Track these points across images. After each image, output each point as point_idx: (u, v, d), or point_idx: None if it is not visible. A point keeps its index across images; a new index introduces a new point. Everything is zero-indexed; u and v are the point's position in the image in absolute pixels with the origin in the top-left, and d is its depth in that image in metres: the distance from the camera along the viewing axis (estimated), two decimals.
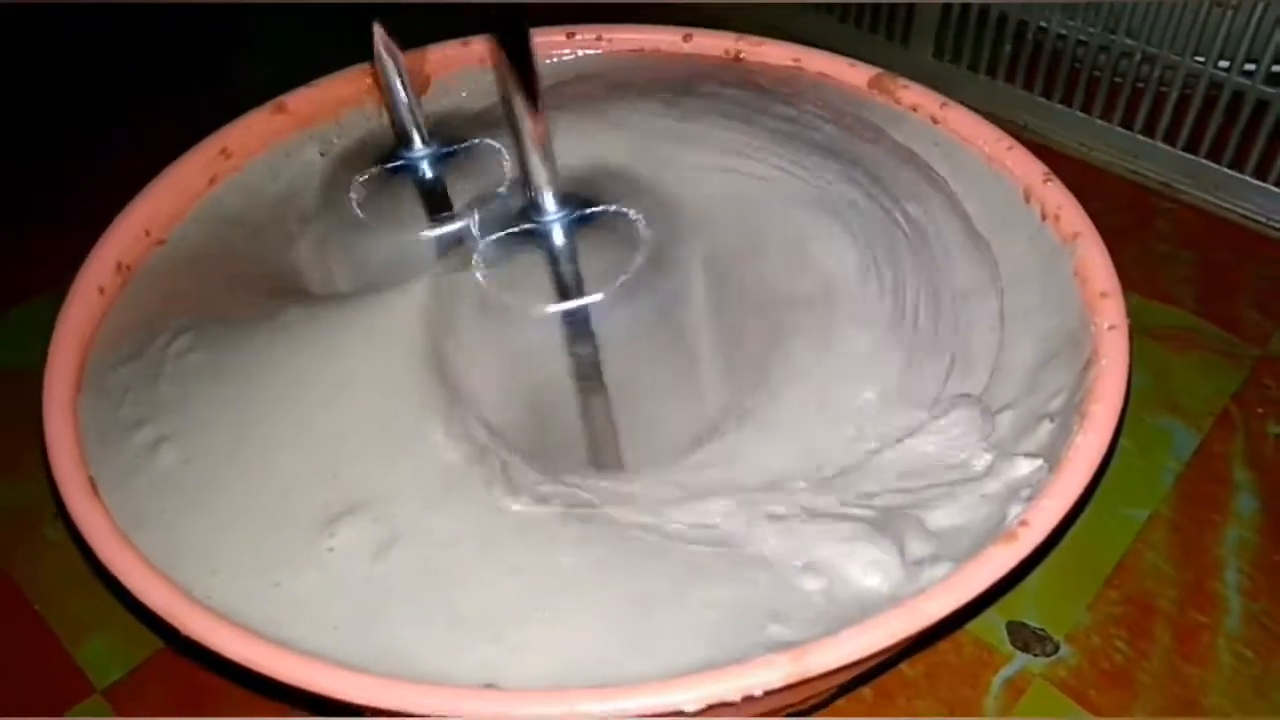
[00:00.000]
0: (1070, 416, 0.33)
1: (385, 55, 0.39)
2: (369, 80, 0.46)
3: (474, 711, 0.27)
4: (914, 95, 0.44)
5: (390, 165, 0.42)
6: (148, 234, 0.40)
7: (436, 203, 0.41)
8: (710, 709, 0.27)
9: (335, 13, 0.72)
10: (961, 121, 0.42)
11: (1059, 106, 0.61)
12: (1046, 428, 0.35)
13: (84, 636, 0.42)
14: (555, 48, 0.49)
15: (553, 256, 0.36)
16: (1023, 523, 0.30)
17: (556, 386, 0.37)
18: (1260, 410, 0.49)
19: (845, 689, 0.39)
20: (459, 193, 0.41)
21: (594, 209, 0.37)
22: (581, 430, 0.37)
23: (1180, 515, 0.45)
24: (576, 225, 0.36)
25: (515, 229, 0.36)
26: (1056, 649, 0.41)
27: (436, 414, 0.34)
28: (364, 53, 0.45)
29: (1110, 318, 0.35)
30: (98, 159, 0.65)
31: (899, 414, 0.36)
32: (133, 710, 0.40)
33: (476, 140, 0.42)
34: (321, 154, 0.45)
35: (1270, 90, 0.53)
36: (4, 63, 0.72)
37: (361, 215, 0.40)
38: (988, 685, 0.40)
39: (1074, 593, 0.42)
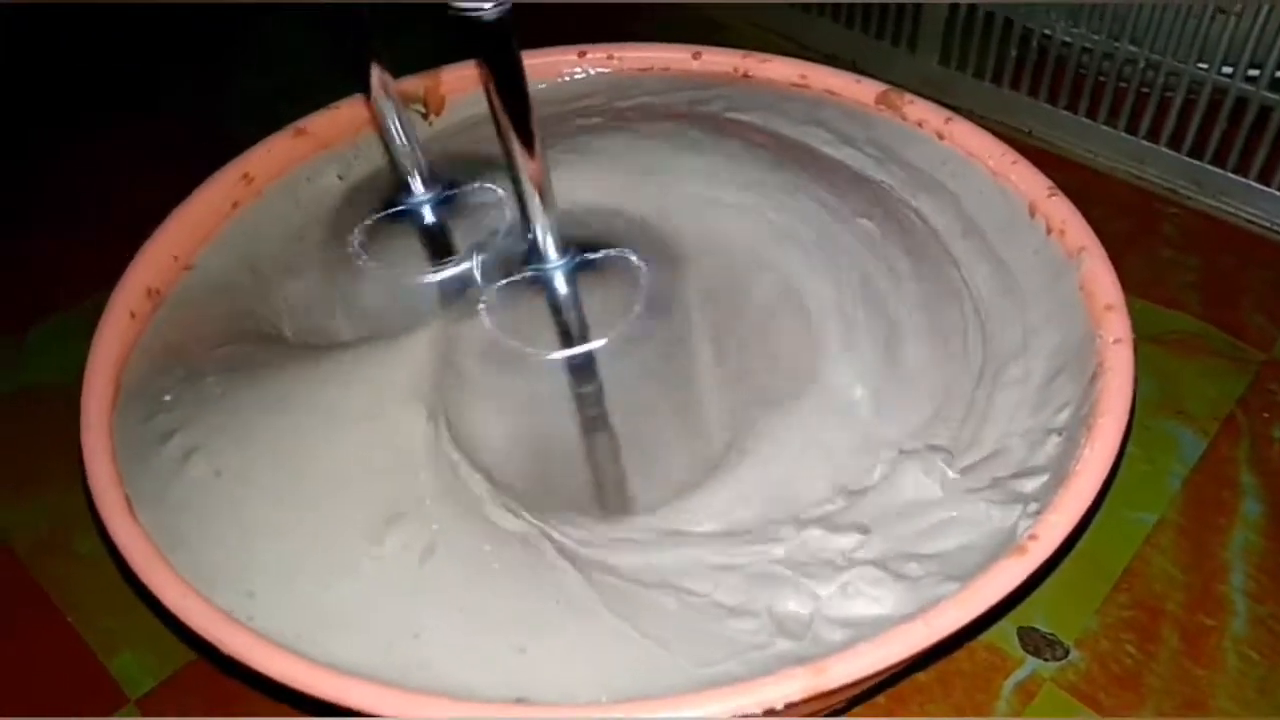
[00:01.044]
0: (1077, 430, 0.34)
1: (383, 101, 0.39)
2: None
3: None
4: (920, 110, 0.44)
5: (391, 211, 0.42)
6: (175, 259, 0.41)
7: (439, 248, 0.42)
8: None
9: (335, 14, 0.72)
10: (967, 136, 0.43)
11: (1064, 112, 0.62)
12: (1054, 441, 0.36)
13: (116, 648, 0.43)
14: (567, 66, 0.49)
15: (556, 303, 0.37)
16: (1032, 536, 0.31)
17: (562, 432, 0.37)
18: (1266, 415, 0.49)
19: (862, 696, 0.39)
20: (462, 237, 0.41)
21: (595, 254, 0.37)
22: (588, 475, 0.38)
23: (1187, 520, 0.46)
24: (578, 270, 0.37)
25: (518, 276, 0.37)
26: (1067, 653, 0.42)
27: (434, 458, 0.35)
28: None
29: (1115, 331, 0.35)
30: (101, 174, 0.66)
31: (869, 459, 0.37)
32: (167, 718, 0.41)
33: (478, 184, 0.43)
34: (340, 177, 0.46)
35: (1273, 96, 0.54)
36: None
37: (363, 263, 0.41)
38: (999, 690, 0.41)
39: (1083, 598, 0.43)
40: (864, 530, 0.35)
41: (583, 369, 0.36)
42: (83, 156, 0.68)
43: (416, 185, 0.42)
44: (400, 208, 0.42)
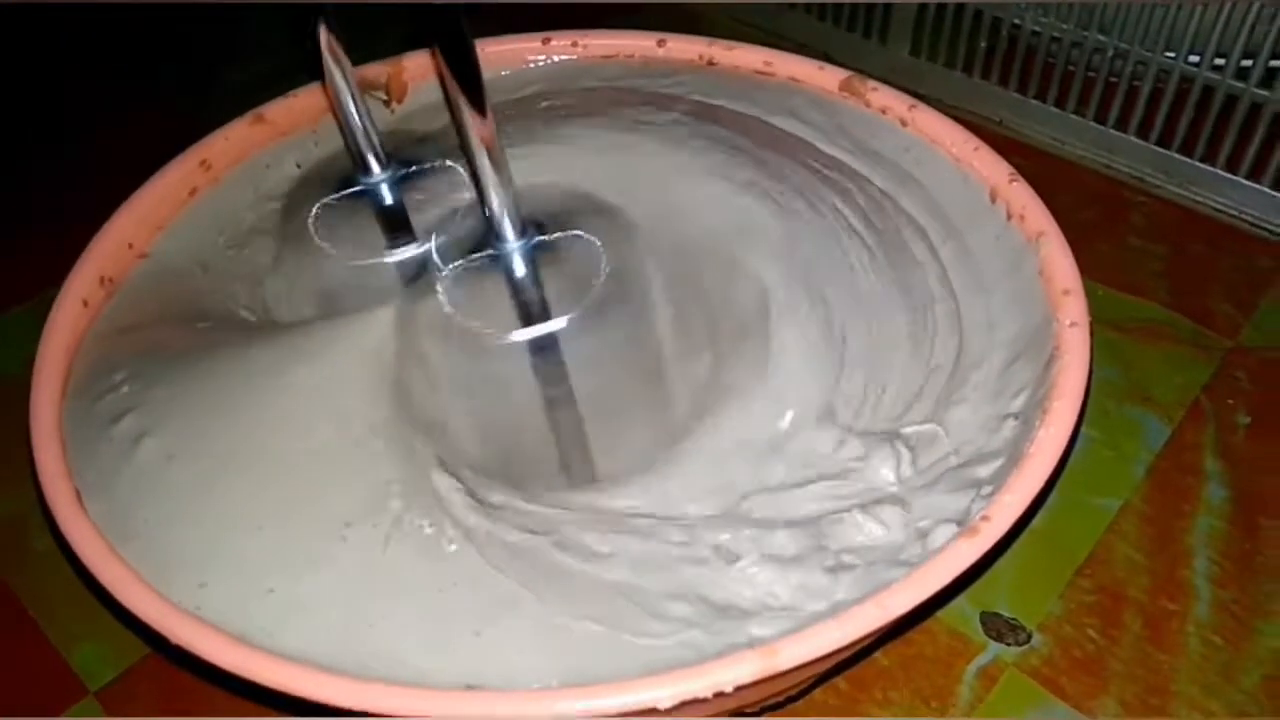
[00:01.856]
0: (1033, 413, 0.34)
1: (339, 80, 0.39)
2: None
3: (457, 712, 0.28)
4: (883, 97, 0.44)
5: (349, 191, 0.42)
6: (130, 247, 0.41)
7: (397, 228, 0.41)
8: (683, 705, 0.28)
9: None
10: (929, 123, 0.43)
11: (1034, 102, 0.62)
12: (1010, 425, 0.36)
13: (77, 641, 0.43)
14: (531, 54, 0.49)
15: (515, 284, 0.37)
16: (984, 517, 0.31)
17: (524, 410, 0.37)
18: (1231, 401, 0.49)
19: (821, 679, 0.39)
20: (420, 216, 0.41)
21: (553, 234, 0.37)
22: (554, 451, 0.38)
23: (1151, 505, 0.46)
24: (536, 251, 0.37)
25: (476, 256, 0.37)
26: (1029, 638, 0.42)
27: (392, 441, 0.35)
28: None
29: (1072, 315, 0.35)
30: (69, 169, 0.65)
31: (819, 437, 0.37)
32: (125, 711, 0.41)
33: (436, 163, 0.43)
34: (298, 165, 0.46)
35: (1240, 85, 0.54)
36: None
37: (321, 243, 0.41)
38: (961, 674, 0.41)
39: (1046, 583, 0.43)
40: (813, 522, 0.35)
41: (542, 349, 0.36)
42: (54, 150, 0.67)
43: (373, 165, 0.42)
44: (358, 188, 0.42)
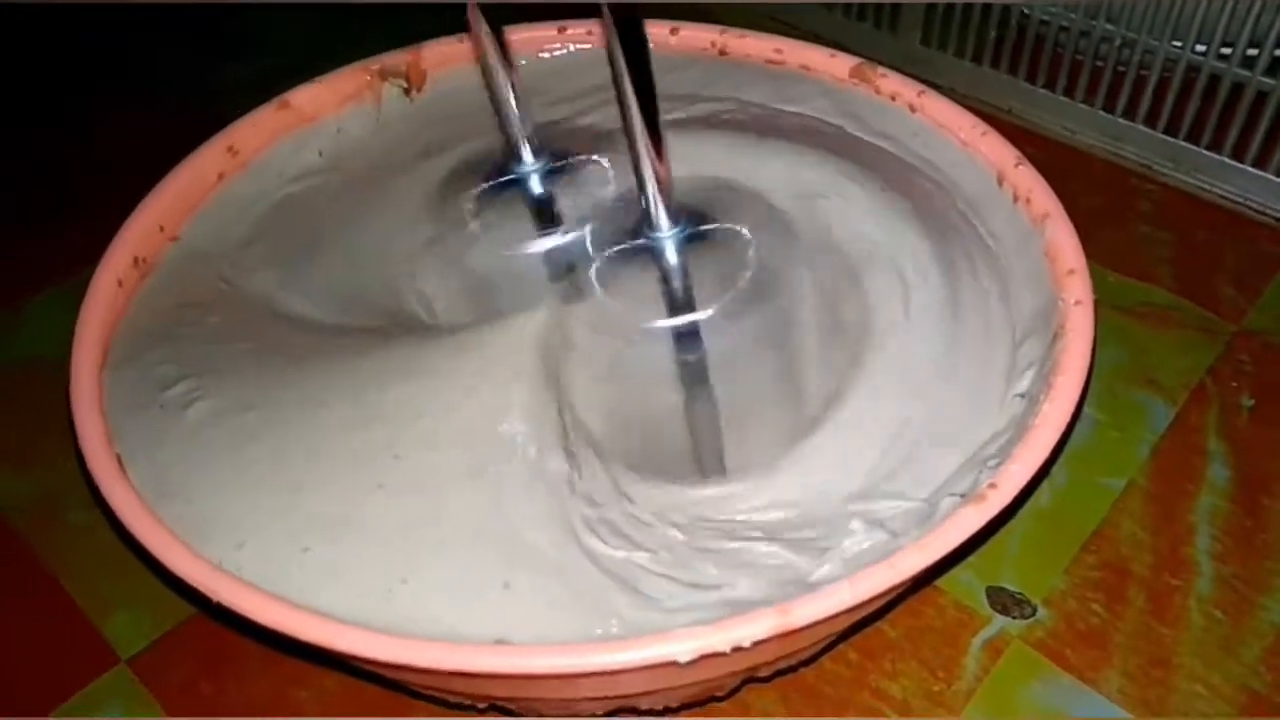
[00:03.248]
0: (1038, 388, 0.35)
1: (499, 69, 0.39)
2: (368, 76, 0.48)
3: (488, 665, 0.29)
4: (893, 84, 0.45)
5: (502, 180, 0.43)
6: (161, 229, 0.42)
7: (548, 218, 0.42)
8: (702, 659, 0.29)
9: (329, 10, 0.73)
10: (938, 109, 0.44)
11: (1042, 91, 0.63)
12: (1017, 402, 0.37)
13: (110, 612, 0.44)
14: (547, 43, 0.50)
15: (666, 273, 0.37)
16: (991, 485, 0.32)
17: (666, 398, 0.38)
18: (1235, 384, 0.50)
19: (831, 646, 0.40)
20: (569, 208, 0.42)
21: (707, 226, 0.38)
22: (687, 440, 0.39)
23: (1155, 484, 0.47)
24: (689, 242, 0.37)
25: (628, 245, 0.38)
26: (1034, 612, 0.43)
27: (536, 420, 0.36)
28: (359, 50, 0.46)
29: (1076, 293, 0.36)
30: (99, 152, 0.67)
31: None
32: (157, 679, 0.42)
33: (584, 156, 0.43)
34: (320, 153, 0.47)
35: (1246, 73, 0.55)
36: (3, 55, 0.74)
37: (473, 229, 0.42)
38: (967, 646, 0.42)
39: (1052, 559, 0.44)
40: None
41: (686, 339, 0.37)
42: (80, 136, 0.69)
43: (526, 155, 0.42)
44: (511, 177, 0.43)
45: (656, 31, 0.50)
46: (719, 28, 0.49)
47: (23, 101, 0.72)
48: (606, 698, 0.34)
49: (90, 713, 0.41)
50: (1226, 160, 0.58)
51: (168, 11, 0.77)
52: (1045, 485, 0.47)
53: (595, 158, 0.43)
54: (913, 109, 0.45)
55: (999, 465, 0.33)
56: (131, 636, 0.44)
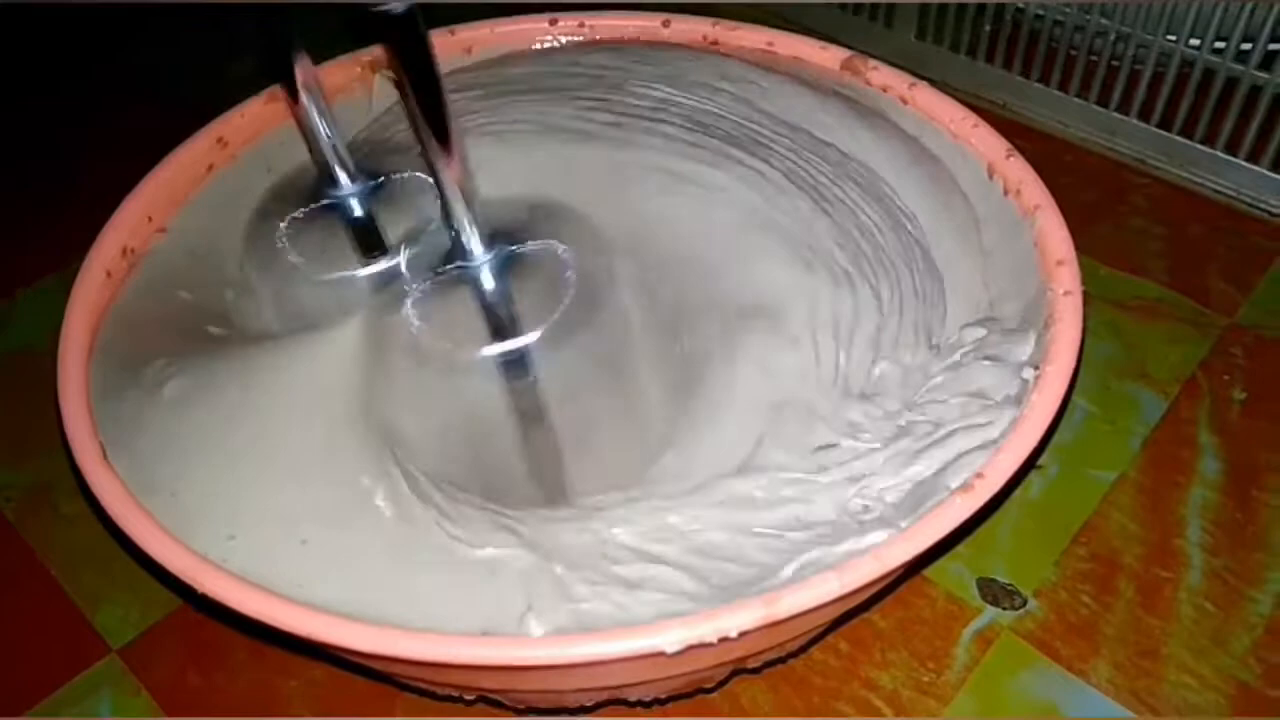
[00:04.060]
0: (1027, 378, 0.35)
1: (305, 94, 0.38)
2: (359, 69, 0.48)
3: (477, 656, 0.29)
4: (884, 76, 0.45)
5: (318, 205, 0.41)
6: (150, 220, 0.42)
7: (367, 241, 0.41)
8: (689, 650, 0.29)
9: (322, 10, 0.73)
10: (929, 101, 0.44)
11: (1037, 85, 0.63)
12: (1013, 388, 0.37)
13: (100, 603, 0.45)
14: (539, 34, 0.50)
15: (484, 299, 0.36)
16: (979, 475, 0.32)
17: (497, 426, 0.37)
18: (1226, 377, 0.50)
19: (820, 637, 0.40)
20: (390, 228, 0.41)
21: (521, 247, 0.37)
22: (525, 468, 0.38)
23: (1146, 477, 0.47)
24: (506, 264, 0.36)
25: (445, 271, 0.37)
26: (1025, 603, 0.43)
27: (363, 453, 0.36)
28: (346, 44, 0.46)
29: (1065, 284, 0.37)
30: (92, 143, 0.67)
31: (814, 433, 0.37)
32: (149, 668, 0.42)
33: (405, 174, 0.42)
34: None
35: (1239, 67, 0.55)
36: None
37: (291, 258, 0.40)
38: (958, 637, 0.42)
39: (1043, 550, 0.44)
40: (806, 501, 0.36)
41: (514, 365, 0.36)
42: (74, 131, 0.69)
43: (342, 178, 0.41)
44: (326, 201, 0.41)
45: (648, 24, 0.50)
46: (711, 20, 0.49)
47: (19, 92, 0.72)
48: (595, 689, 0.34)
49: (81, 702, 0.42)
50: (1220, 154, 0.58)
51: (168, 7, 0.77)
52: (1037, 477, 0.47)
53: (419, 173, 0.42)
54: (904, 101, 0.45)
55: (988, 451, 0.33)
56: (121, 626, 0.44)
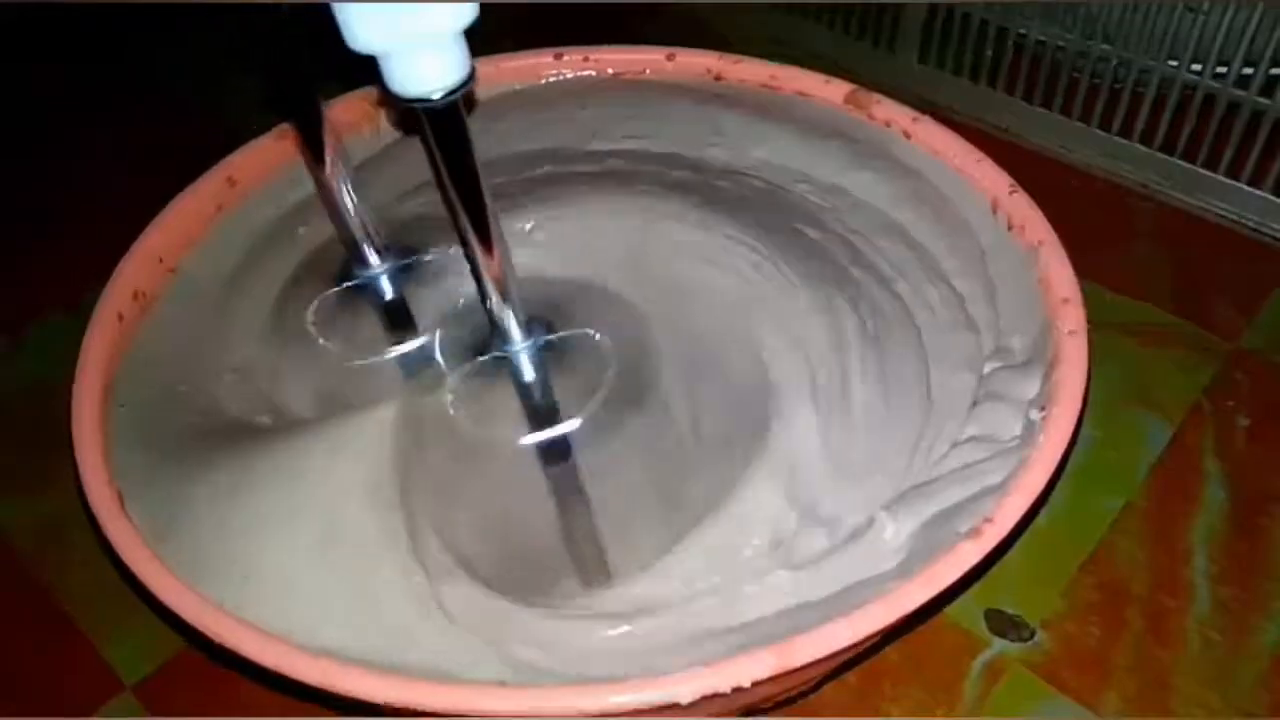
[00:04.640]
0: (1035, 419, 0.35)
1: (331, 169, 0.37)
2: (368, 105, 0.49)
3: (489, 706, 0.29)
4: (887, 110, 0.46)
5: (347, 285, 0.41)
6: (160, 261, 0.43)
7: (398, 322, 0.40)
8: (703, 700, 0.29)
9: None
10: (933, 135, 0.44)
11: (1039, 109, 0.63)
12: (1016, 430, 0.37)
13: (113, 637, 0.45)
14: (545, 69, 0.51)
15: (522, 386, 0.36)
16: (988, 519, 0.32)
17: (535, 518, 0.37)
18: (1231, 403, 0.50)
19: (832, 675, 0.41)
20: (421, 310, 0.40)
21: (560, 334, 0.37)
22: (566, 554, 0.37)
23: (1153, 505, 0.47)
24: (544, 351, 0.36)
25: (482, 359, 0.37)
26: (1033, 635, 0.43)
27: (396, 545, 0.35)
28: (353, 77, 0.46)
29: (1070, 323, 0.37)
30: (92, 173, 0.67)
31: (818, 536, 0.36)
32: (161, 705, 0.43)
33: (435, 254, 0.41)
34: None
35: (1241, 93, 0.55)
36: None
37: (321, 342, 0.40)
38: (967, 670, 0.42)
39: (1050, 580, 0.44)
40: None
41: (554, 453, 0.36)
42: (84, 153, 0.69)
43: (371, 257, 0.40)
44: (355, 281, 0.41)
45: (652, 58, 0.50)
46: (715, 54, 0.50)
47: (30, 116, 0.72)
48: None
49: None
50: (1222, 178, 0.58)
51: (180, 23, 0.77)
52: (1043, 506, 0.47)
53: (451, 250, 0.41)
54: (907, 135, 0.45)
55: (997, 496, 0.33)
56: (135, 662, 0.44)
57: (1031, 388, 0.37)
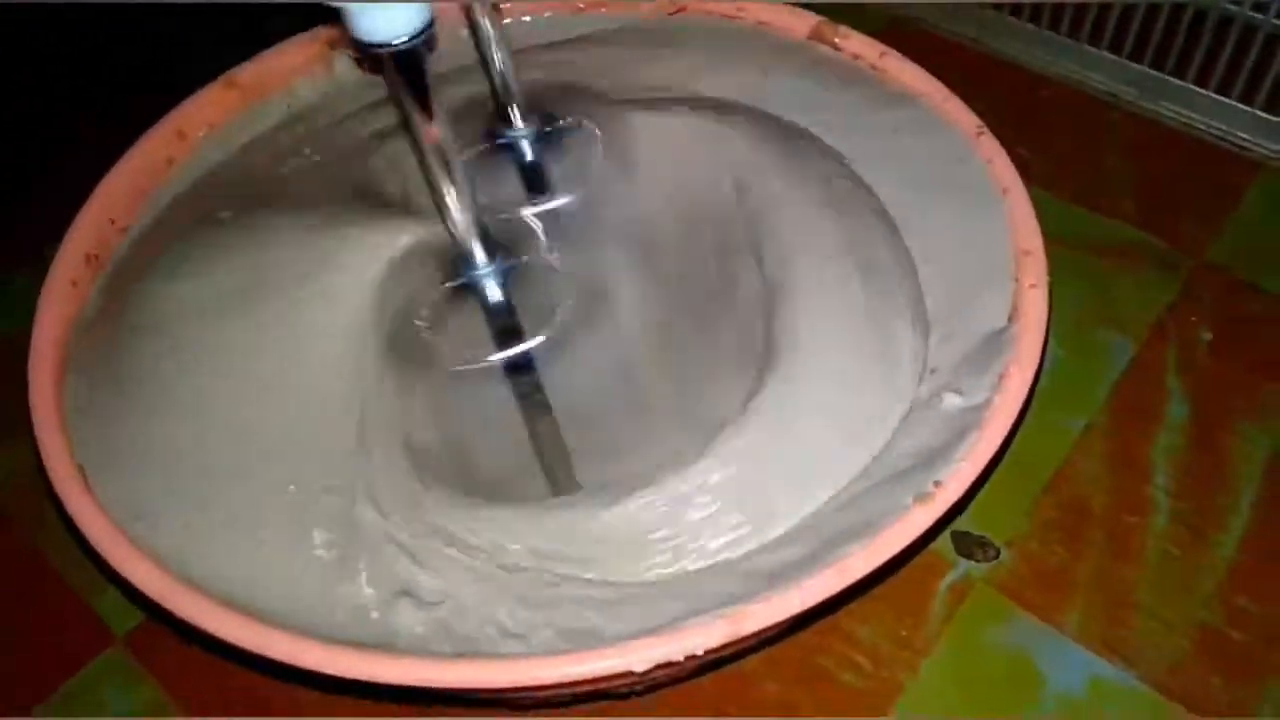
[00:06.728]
0: (991, 377, 0.36)
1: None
2: (317, 47, 0.47)
3: (447, 678, 0.30)
4: (854, 44, 0.45)
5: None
6: (112, 223, 0.42)
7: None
8: (658, 668, 0.30)
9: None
10: (900, 70, 0.43)
11: (1009, 18, 0.62)
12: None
13: (101, 589, 0.45)
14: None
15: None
16: (938, 484, 0.33)
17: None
18: (1194, 318, 0.51)
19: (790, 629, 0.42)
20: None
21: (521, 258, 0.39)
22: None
23: (1115, 424, 0.48)
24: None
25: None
26: (998, 554, 0.44)
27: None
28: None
29: (1032, 277, 0.37)
30: (71, 130, 0.65)
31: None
32: (151, 655, 0.43)
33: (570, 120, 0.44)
34: (276, 127, 0.46)
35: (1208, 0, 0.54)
36: None
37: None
38: (934, 591, 0.43)
39: (1014, 502, 0.45)
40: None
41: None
42: (56, 124, 0.66)
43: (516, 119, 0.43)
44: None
45: None
46: None
47: (33, 100, 0.69)
48: (573, 693, 0.36)
49: (92, 691, 0.42)
50: (1191, 87, 0.57)
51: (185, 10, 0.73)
52: None
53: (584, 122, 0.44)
54: (874, 69, 0.44)
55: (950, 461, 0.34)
56: (123, 612, 0.44)
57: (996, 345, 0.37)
